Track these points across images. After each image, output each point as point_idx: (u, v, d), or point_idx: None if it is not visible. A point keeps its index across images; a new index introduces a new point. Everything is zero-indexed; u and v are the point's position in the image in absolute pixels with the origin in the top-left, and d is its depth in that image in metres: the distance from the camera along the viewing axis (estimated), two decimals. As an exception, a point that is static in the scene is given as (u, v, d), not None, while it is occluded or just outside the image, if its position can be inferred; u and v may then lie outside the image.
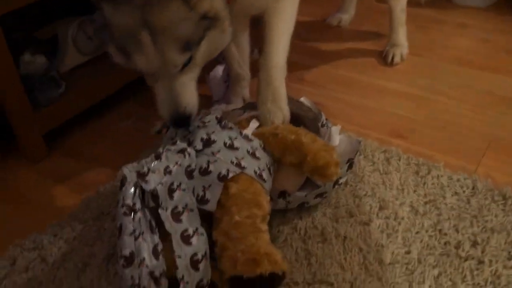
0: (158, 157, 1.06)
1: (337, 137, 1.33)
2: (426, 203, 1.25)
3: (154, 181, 1.01)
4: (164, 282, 0.93)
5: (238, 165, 1.08)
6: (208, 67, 1.68)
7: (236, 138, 1.14)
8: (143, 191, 1.00)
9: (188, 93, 1.14)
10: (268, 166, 1.15)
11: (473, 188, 1.28)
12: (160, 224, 0.98)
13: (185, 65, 1.10)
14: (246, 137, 1.17)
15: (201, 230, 1.00)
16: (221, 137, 1.13)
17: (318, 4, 2.31)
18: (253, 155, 1.13)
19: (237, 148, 1.11)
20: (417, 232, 1.17)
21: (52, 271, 1.13)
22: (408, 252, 1.12)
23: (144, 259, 0.92)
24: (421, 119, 1.58)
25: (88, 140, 1.59)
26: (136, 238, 0.94)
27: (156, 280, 0.92)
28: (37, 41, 1.52)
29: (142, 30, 1.01)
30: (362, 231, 1.17)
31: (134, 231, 0.95)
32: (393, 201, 1.25)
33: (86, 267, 1.14)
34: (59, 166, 1.49)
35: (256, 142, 1.17)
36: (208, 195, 1.04)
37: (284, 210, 1.23)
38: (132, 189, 0.99)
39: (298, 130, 1.22)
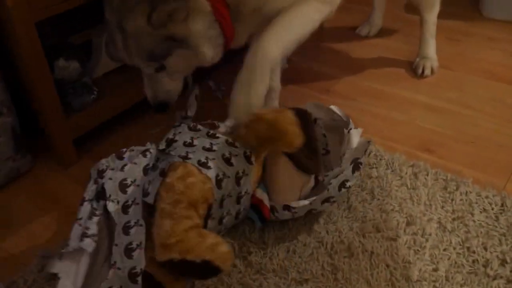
0: (119, 157, 1.19)
1: (356, 139, 1.34)
2: (454, 219, 1.24)
3: (107, 177, 1.14)
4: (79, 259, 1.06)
5: (184, 157, 1.10)
6: (236, 77, 1.69)
7: (198, 137, 1.18)
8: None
9: (165, 87, 1.31)
10: (227, 155, 1.15)
11: (502, 205, 1.27)
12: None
13: (160, 70, 1.27)
14: (212, 136, 1.20)
15: (141, 221, 1.07)
16: (184, 137, 1.19)
17: (348, 13, 2.30)
18: (208, 149, 1.14)
19: (194, 145, 1.15)
20: (444, 249, 1.16)
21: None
22: (435, 270, 1.11)
23: (70, 238, 1.08)
24: (449, 133, 1.57)
25: (116, 145, 1.59)
26: (75, 223, 1.10)
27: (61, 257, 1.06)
28: (71, 47, 1.54)
29: (117, 31, 1.21)
30: (389, 246, 1.17)
31: (77, 218, 1.11)
32: (421, 217, 1.25)
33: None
34: (88, 171, 1.50)
35: (222, 139, 1.18)
36: (149, 189, 1.09)
37: (310, 223, 1.24)
38: (91, 184, 1.16)
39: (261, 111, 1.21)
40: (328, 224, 1.24)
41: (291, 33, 1.27)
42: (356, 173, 1.21)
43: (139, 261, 1.02)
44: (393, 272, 1.11)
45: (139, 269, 1.01)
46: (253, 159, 1.19)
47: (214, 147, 1.15)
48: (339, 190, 1.18)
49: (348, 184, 1.18)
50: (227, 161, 1.14)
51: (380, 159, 1.43)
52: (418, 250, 1.16)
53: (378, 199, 1.31)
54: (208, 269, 0.98)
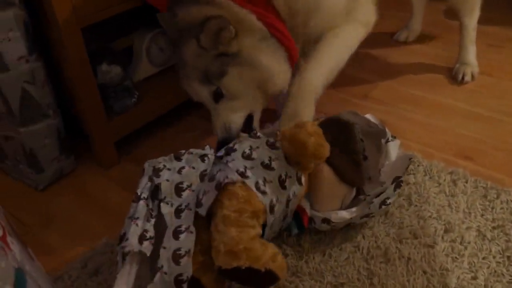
0: (178, 158, 1.18)
1: (394, 152, 1.32)
2: (494, 228, 1.22)
3: (163, 177, 1.12)
4: (133, 259, 1.03)
5: (242, 174, 1.06)
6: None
7: (257, 147, 1.13)
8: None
9: (225, 119, 1.26)
10: (283, 177, 1.11)
11: (544, 215, 1.24)
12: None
13: (219, 97, 1.24)
14: (271, 145, 1.14)
15: (192, 228, 1.04)
16: (243, 146, 1.13)
17: (386, 19, 2.29)
18: (267, 166, 1.10)
19: (252, 159, 1.10)
20: (484, 258, 1.14)
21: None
22: (474, 278, 1.10)
23: (127, 239, 1.03)
24: (489, 140, 1.54)
25: (155, 148, 1.65)
26: (131, 221, 1.06)
27: (124, 257, 1.02)
28: (113, 52, 1.59)
29: (178, 58, 1.26)
30: (426, 253, 1.16)
31: (133, 215, 1.07)
32: (459, 225, 1.23)
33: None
34: (128, 173, 1.55)
35: (281, 151, 1.14)
36: (203, 200, 1.07)
37: (346, 228, 1.24)
38: (146, 181, 1.13)
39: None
40: (364, 229, 1.24)
41: (332, 61, 1.29)
42: (397, 190, 1.22)
43: (186, 268, 1.01)
44: (430, 279, 1.10)
45: (186, 277, 1.00)
46: (303, 179, 1.16)
47: (273, 165, 1.11)
48: (380, 207, 1.20)
49: (388, 201, 1.21)
50: (281, 183, 1.11)
51: (418, 166, 1.42)
52: (456, 257, 1.15)
53: (416, 205, 1.29)
54: (269, 278, 0.98)
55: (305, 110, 1.23)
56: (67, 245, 1.30)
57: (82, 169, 1.57)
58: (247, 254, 0.97)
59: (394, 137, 1.37)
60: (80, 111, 1.48)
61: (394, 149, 1.34)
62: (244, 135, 1.24)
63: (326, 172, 1.20)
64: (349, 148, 1.22)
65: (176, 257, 1.01)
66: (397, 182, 1.21)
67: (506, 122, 1.61)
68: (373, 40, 2.17)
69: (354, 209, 1.19)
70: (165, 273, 1.01)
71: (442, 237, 1.20)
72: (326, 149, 1.11)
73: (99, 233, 1.30)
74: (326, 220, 1.17)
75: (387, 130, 1.36)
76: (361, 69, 1.93)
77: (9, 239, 0.87)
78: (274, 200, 1.09)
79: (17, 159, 1.48)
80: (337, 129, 1.23)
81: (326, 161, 1.17)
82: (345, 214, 1.18)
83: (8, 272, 0.80)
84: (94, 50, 1.53)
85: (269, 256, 0.99)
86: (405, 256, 1.15)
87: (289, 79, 1.28)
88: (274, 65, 1.23)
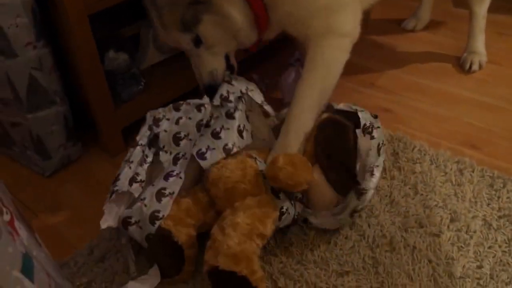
0: (176, 109, 1.25)
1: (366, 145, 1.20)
2: (500, 217, 1.22)
3: (162, 127, 1.22)
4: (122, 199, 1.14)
5: (240, 132, 1.18)
6: (280, 70, 1.70)
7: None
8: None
9: (208, 65, 1.31)
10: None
11: (551, 205, 1.24)
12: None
13: (198, 43, 1.28)
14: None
15: (182, 175, 1.15)
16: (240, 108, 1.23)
17: (393, 7, 2.27)
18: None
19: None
20: (489, 247, 1.15)
21: (127, 262, 1.18)
22: (479, 267, 1.10)
23: (119, 179, 1.16)
24: (497, 130, 1.54)
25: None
26: (126, 164, 1.19)
27: (112, 194, 1.14)
28: (120, 39, 1.59)
29: (152, 9, 1.25)
30: (432, 242, 1.16)
31: (128, 158, 1.20)
32: (465, 214, 1.23)
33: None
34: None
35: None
36: (208, 155, 1.14)
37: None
38: (145, 129, 1.24)
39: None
40: (370, 217, 1.24)
41: (321, 92, 1.27)
42: (363, 198, 1.15)
43: (165, 208, 1.10)
44: (436, 267, 1.10)
45: (162, 215, 1.09)
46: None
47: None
48: (351, 216, 1.18)
49: (359, 207, 1.17)
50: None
51: (424, 155, 1.41)
52: (462, 246, 1.15)
53: (422, 194, 1.29)
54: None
55: (293, 144, 1.24)
56: (73, 232, 1.31)
57: (89, 156, 1.58)
58: (247, 264, 0.99)
59: (374, 128, 1.22)
60: (87, 98, 1.48)
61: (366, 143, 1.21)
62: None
63: (318, 176, 1.18)
64: (342, 154, 1.19)
65: (159, 195, 1.11)
66: (357, 191, 1.15)
67: (513, 111, 1.61)
68: (380, 28, 2.17)
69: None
70: (145, 205, 1.10)
71: (448, 226, 1.20)
72: (301, 176, 1.10)
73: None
74: (305, 220, 1.20)
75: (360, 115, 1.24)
76: (368, 57, 1.92)
77: (17, 224, 0.88)
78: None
79: (24, 146, 1.49)
80: (333, 132, 1.21)
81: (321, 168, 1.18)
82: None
83: (16, 257, 0.80)
84: (101, 37, 1.53)
85: (261, 275, 1.02)
86: (411, 245, 1.16)
87: (253, 41, 1.33)
88: (243, 21, 1.26)
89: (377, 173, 1.17)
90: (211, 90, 1.30)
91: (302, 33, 1.30)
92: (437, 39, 2.06)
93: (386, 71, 1.87)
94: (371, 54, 1.96)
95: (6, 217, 0.84)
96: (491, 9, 1.82)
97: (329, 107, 1.30)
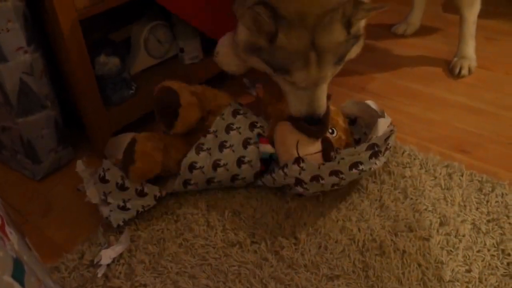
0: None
1: (382, 128, 1.33)
2: (488, 221, 1.23)
3: None
4: None
5: None
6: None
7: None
8: None
9: (324, 97, 1.31)
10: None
11: (538, 209, 1.25)
12: None
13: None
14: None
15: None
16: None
17: (385, 11, 2.28)
18: None
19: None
20: (478, 251, 1.15)
21: (117, 267, 1.19)
22: (468, 271, 1.11)
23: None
24: (486, 134, 1.55)
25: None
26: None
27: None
28: (111, 43, 1.59)
29: (310, 51, 1.19)
30: (421, 246, 1.17)
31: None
32: (455, 218, 1.24)
33: (149, 265, 1.19)
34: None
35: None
36: None
37: (342, 220, 1.25)
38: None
39: None
40: (360, 222, 1.25)
41: None
42: (374, 160, 1.24)
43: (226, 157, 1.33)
44: (425, 271, 1.11)
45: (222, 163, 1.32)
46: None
47: None
48: (350, 169, 1.22)
49: (361, 167, 1.23)
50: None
51: (414, 159, 1.43)
52: (451, 250, 1.16)
53: (411, 198, 1.30)
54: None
55: None
56: (64, 236, 1.31)
57: (80, 158, 1.57)
58: None
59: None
60: (78, 102, 1.48)
61: (383, 125, 1.34)
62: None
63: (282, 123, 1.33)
64: None
65: (221, 147, 1.33)
66: (374, 151, 1.24)
67: (502, 115, 1.62)
68: (371, 33, 2.17)
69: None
70: (210, 154, 1.33)
71: (437, 230, 1.21)
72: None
73: (96, 224, 1.31)
74: (284, 165, 1.25)
75: (385, 114, 1.38)
76: (358, 62, 1.90)
77: (7, 229, 0.87)
78: None
79: (14, 150, 1.48)
80: None
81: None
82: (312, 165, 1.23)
83: (7, 262, 0.80)
84: (92, 41, 1.53)
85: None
86: (400, 249, 1.17)
87: None
88: None
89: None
90: (316, 121, 1.30)
91: None
92: (427, 44, 2.08)
93: (377, 76, 1.89)
94: (362, 58, 1.95)
95: (-4, 222, 0.84)
96: (480, 14, 1.84)
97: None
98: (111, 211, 1.27)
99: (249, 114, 1.40)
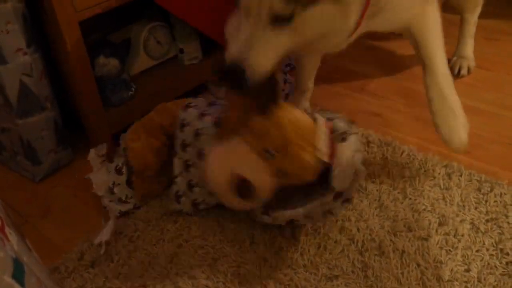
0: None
1: (348, 152, 1.11)
2: (487, 221, 1.23)
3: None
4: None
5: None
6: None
7: None
8: None
9: (259, 52, 0.98)
10: None
11: (538, 208, 1.25)
12: None
13: (280, 20, 0.97)
14: None
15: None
16: None
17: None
18: None
19: None
20: (477, 250, 1.16)
21: (117, 267, 1.19)
22: (467, 270, 1.11)
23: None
24: (485, 134, 1.55)
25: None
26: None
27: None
28: (111, 45, 1.59)
29: None
30: (420, 246, 1.17)
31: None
32: (453, 218, 1.24)
33: (149, 265, 1.19)
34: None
35: None
36: None
37: (341, 221, 1.25)
38: None
39: None
40: (359, 222, 1.25)
41: (441, 43, 1.47)
42: (346, 204, 1.17)
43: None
44: (424, 271, 1.11)
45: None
46: None
47: None
48: (323, 216, 1.17)
49: (335, 212, 1.17)
50: None
51: (413, 159, 1.43)
52: (450, 250, 1.16)
53: (410, 198, 1.31)
54: None
55: (454, 99, 1.37)
56: (64, 237, 1.31)
57: (79, 161, 1.57)
58: None
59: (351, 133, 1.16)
60: (78, 103, 1.48)
61: (347, 149, 1.11)
62: None
63: None
64: None
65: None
66: (343, 199, 1.13)
67: (502, 115, 1.62)
68: (371, 33, 2.17)
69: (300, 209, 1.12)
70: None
71: (436, 230, 1.21)
72: None
73: (96, 225, 1.31)
74: (265, 213, 1.15)
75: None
76: (357, 62, 1.93)
77: (7, 230, 0.88)
78: None
79: (14, 151, 1.49)
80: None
81: None
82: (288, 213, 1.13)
83: (7, 263, 0.80)
84: (92, 42, 1.53)
85: None
86: (399, 249, 1.17)
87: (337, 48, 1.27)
88: (351, 28, 1.14)
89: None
90: (231, 75, 1.01)
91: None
92: (426, 44, 2.08)
93: (376, 76, 1.88)
94: (361, 59, 1.98)
95: (-4, 223, 0.85)
96: (480, 14, 1.84)
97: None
98: (110, 201, 1.31)
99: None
